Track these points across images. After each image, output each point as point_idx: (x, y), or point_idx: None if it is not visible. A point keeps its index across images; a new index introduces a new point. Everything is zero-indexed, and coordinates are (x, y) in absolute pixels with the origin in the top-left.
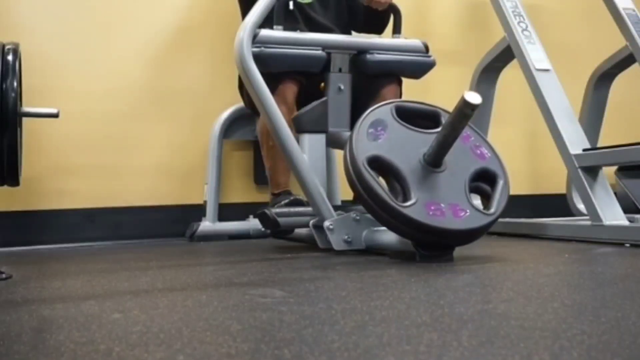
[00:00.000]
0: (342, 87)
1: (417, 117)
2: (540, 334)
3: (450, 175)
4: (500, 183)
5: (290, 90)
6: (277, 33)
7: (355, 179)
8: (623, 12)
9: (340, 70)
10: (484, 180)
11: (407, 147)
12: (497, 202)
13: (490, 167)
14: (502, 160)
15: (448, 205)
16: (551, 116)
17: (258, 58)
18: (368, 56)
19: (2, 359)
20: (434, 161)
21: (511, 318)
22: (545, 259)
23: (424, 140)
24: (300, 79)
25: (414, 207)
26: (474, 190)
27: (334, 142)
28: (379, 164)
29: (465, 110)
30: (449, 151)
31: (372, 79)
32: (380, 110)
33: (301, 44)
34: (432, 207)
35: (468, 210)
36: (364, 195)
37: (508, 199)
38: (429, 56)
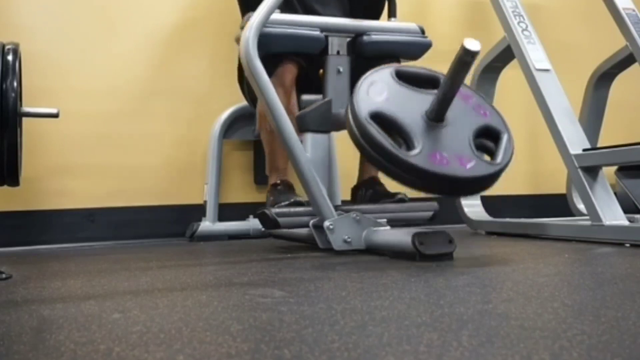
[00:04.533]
0: (342, 70)
1: (417, 81)
2: (540, 334)
3: (453, 129)
4: (505, 137)
5: (289, 72)
6: (275, 15)
7: (359, 135)
8: (623, 12)
9: (338, 52)
10: (487, 137)
11: (409, 105)
12: (503, 154)
13: (493, 123)
14: (504, 117)
15: (453, 154)
16: (551, 116)
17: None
18: (365, 37)
19: (2, 359)
20: (436, 116)
21: (511, 318)
22: (545, 259)
23: (425, 99)
24: (299, 60)
25: (419, 155)
26: (478, 147)
27: (333, 123)
28: (381, 120)
29: (465, 58)
30: (450, 106)
31: (371, 62)
32: (380, 73)
33: (299, 25)
34: (437, 156)
35: (474, 160)
36: (367, 149)
37: (513, 152)
38: (425, 37)
